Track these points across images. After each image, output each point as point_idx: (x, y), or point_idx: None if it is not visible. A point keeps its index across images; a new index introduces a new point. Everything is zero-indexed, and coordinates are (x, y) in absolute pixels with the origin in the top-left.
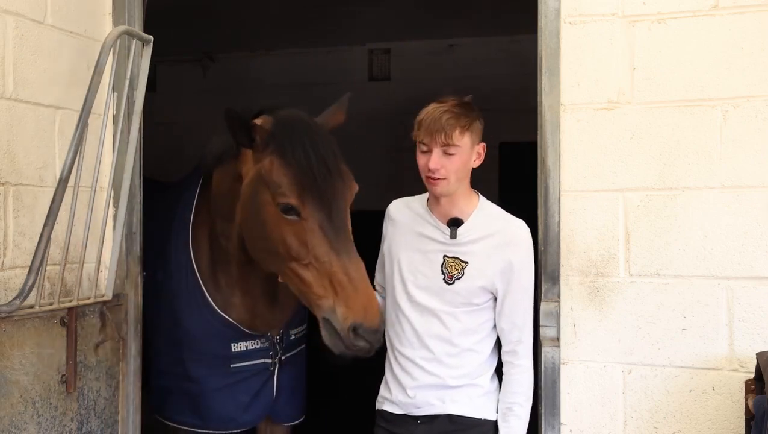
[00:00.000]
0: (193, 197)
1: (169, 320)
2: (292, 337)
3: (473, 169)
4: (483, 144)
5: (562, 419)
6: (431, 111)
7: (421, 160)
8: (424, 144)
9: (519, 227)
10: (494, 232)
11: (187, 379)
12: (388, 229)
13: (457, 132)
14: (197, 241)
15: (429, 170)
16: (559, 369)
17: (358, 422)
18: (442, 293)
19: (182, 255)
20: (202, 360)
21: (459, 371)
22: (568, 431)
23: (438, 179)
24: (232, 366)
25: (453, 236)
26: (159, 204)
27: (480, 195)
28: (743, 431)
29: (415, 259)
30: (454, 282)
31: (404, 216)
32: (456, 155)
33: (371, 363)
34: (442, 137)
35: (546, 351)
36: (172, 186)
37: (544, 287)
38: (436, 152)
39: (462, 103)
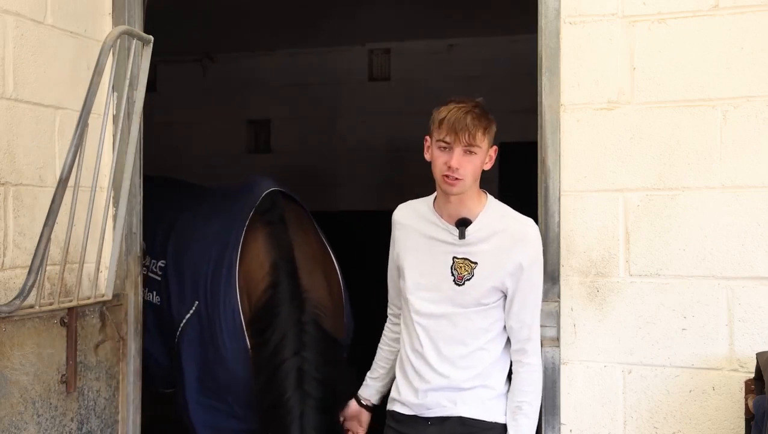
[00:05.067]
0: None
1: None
2: None
3: None
4: (495, 147)
5: (562, 419)
6: (454, 110)
7: (440, 158)
8: (446, 142)
9: (528, 226)
10: (503, 231)
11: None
12: (396, 235)
13: (480, 133)
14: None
15: (449, 168)
16: (559, 369)
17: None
18: (453, 295)
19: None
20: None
21: (470, 372)
22: (568, 431)
23: (457, 178)
24: None
25: (462, 236)
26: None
27: (488, 195)
28: (743, 431)
29: (425, 261)
30: (464, 283)
31: (411, 220)
32: (476, 155)
33: None
34: (467, 136)
35: (546, 351)
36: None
37: (544, 287)
38: (458, 151)
39: (480, 105)
